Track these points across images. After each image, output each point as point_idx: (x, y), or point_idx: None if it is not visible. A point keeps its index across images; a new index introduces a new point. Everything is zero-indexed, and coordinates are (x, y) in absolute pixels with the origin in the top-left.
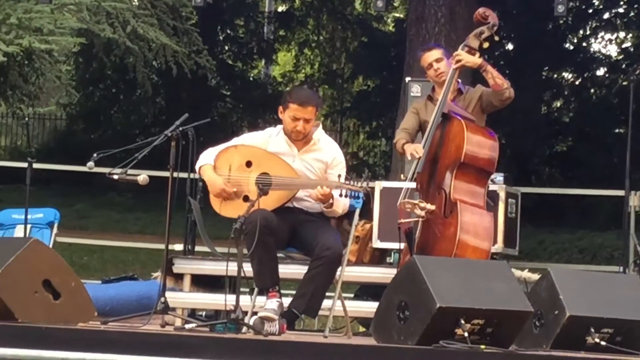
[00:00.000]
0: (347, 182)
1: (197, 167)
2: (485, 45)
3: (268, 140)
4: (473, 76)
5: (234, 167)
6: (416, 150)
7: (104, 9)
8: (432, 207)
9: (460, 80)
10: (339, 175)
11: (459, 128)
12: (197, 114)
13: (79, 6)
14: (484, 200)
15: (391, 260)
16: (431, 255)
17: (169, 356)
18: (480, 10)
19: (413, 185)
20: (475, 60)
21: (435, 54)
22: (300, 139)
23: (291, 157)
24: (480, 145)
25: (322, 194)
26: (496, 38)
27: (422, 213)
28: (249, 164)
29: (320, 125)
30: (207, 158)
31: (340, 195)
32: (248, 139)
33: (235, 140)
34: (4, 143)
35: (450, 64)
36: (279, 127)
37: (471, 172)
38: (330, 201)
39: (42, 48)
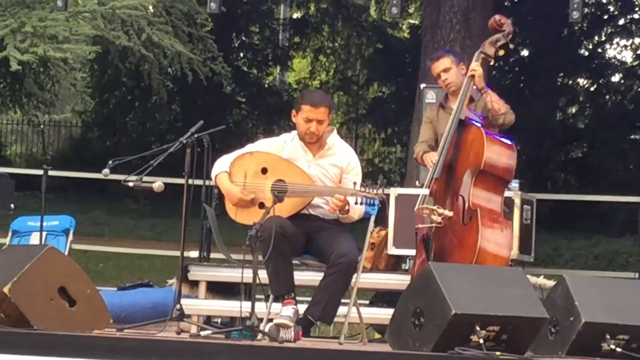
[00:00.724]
0: (362, 190)
1: (212, 176)
2: (501, 52)
3: (283, 146)
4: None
5: (250, 174)
6: (432, 159)
7: (118, 16)
8: (450, 214)
9: (476, 87)
10: (355, 183)
11: (477, 135)
12: (212, 120)
13: (93, 14)
14: (501, 208)
15: (406, 267)
16: (449, 262)
17: None
18: (497, 17)
19: (427, 191)
20: (481, 82)
21: (443, 63)
22: (314, 142)
23: (306, 163)
24: (500, 153)
25: (338, 203)
26: (511, 46)
27: (439, 219)
28: (264, 170)
29: (335, 130)
30: (222, 166)
31: (356, 203)
32: (263, 145)
33: (250, 147)
34: (20, 150)
35: (461, 69)
36: (294, 132)
37: (490, 179)
38: (347, 208)
39: (57, 56)
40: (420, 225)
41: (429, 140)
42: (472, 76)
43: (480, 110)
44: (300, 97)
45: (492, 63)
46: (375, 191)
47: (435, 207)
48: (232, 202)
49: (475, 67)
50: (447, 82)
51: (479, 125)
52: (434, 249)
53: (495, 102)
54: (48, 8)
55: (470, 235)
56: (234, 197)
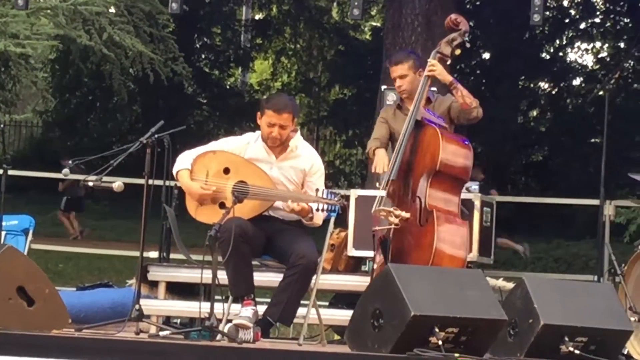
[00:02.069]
0: (323, 197)
1: (174, 172)
2: (457, 52)
3: (246, 146)
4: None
5: (212, 173)
6: (382, 165)
7: (80, 14)
8: (407, 215)
9: (433, 89)
10: (317, 190)
11: (433, 136)
12: (173, 121)
13: (55, 10)
14: (458, 209)
15: (366, 269)
16: (406, 264)
17: None
18: (452, 16)
19: (384, 193)
20: (447, 76)
21: (400, 69)
22: (277, 145)
23: (269, 165)
24: (456, 153)
25: (297, 208)
26: (467, 45)
27: (397, 220)
28: (226, 170)
29: (299, 132)
30: (184, 162)
31: (317, 209)
32: (226, 143)
33: (213, 145)
34: None
35: (419, 76)
36: (258, 133)
37: (446, 180)
38: (310, 215)
39: (17, 52)
40: (377, 227)
41: (382, 138)
42: (429, 77)
43: (439, 111)
44: (265, 100)
45: (448, 62)
46: (336, 199)
47: (392, 209)
48: (194, 198)
49: (433, 64)
50: (401, 89)
51: (436, 125)
52: (392, 250)
53: (465, 96)
54: (9, 5)
55: (426, 236)
56: (195, 194)
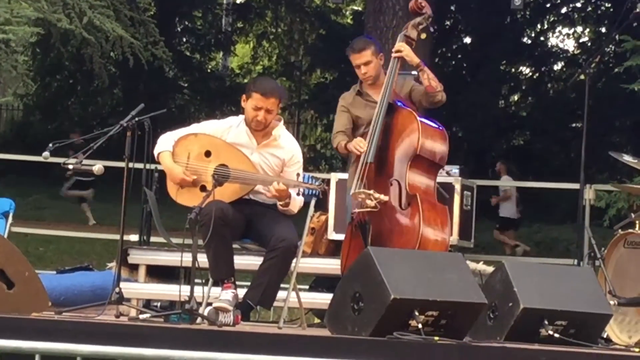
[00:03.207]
0: (304, 182)
1: (155, 153)
2: (423, 35)
3: (228, 130)
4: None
5: (193, 155)
6: (359, 145)
7: None
8: (386, 198)
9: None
10: (298, 174)
11: (409, 119)
12: (154, 105)
13: None
14: (435, 192)
15: None
16: (388, 247)
17: (123, 346)
18: (417, 0)
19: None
20: (414, 58)
21: (365, 56)
22: (260, 129)
23: (249, 150)
24: (434, 138)
25: (278, 190)
26: (431, 29)
27: (374, 203)
28: (207, 153)
29: (282, 122)
30: (165, 144)
31: (298, 193)
32: (208, 126)
33: (194, 127)
34: None
35: (380, 60)
36: (241, 117)
37: (424, 164)
38: (287, 200)
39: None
40: (356, 210)
41: (346, 129)
42: (398, 58)
43: (403, 94)
44: (252, 83)
45: (413, 46)
46: (317, 183)
47: (370, 192)
48: (174, 181)
49: (400, 46)
50: (367, 75)
51: (409, 108)
52: (372, 234)
53: (431, 79)
54: None
55: (410, 221)
56: (176, 177)
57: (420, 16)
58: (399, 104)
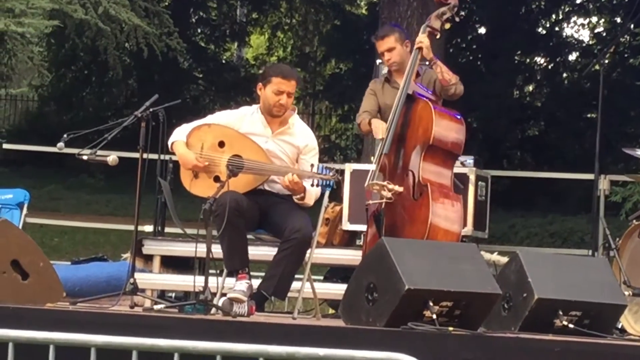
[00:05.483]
0: (319, 172)
1: (169, 143)
2: (447, 26)
3: (242, 119)
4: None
5: (207, 145)
6: (382, 130)
7: None
8: (400, 189)
9: (425, 59)
10: (312, 165)
11: (426, 109)
12: (169, 96)
13: None
14: (451, 183)
15: (361, 243)
16: (400, 238)
17: (138, 336)
18: None
19: (373, 167)
20: (429, 53)
21: (388, 42)
22: (281, 114)
23: (264, 138)
24: (449, 127)
25: (291, 182)
26: (457, 19)
27: (389, 194)
28: (221, 144)
29: (296, 111)
30: (180, 134)
31: (312, 185)
32: (221, 117)
33: (209, 118)
34: None
35: (406, 47)
36: (255, 106)
37: (439, 154)
38: (302, 194)
39: (18, 31)
40: (370, 201)
41: (372, 111)
42: (420, 49)
43: (426, 83)
44: (270, 69)
45: (438, 36)
46: (331, 173)
47: (385, 183)
48: (187, 167)
49: (422, 38)
50: (390, 62)
51: (427, 99)
52: (385, 225)
53: (445, 72)
54: None
55: (421, 211)
56: (189, 163)
57: (445, 6)
58: (418, 95)
